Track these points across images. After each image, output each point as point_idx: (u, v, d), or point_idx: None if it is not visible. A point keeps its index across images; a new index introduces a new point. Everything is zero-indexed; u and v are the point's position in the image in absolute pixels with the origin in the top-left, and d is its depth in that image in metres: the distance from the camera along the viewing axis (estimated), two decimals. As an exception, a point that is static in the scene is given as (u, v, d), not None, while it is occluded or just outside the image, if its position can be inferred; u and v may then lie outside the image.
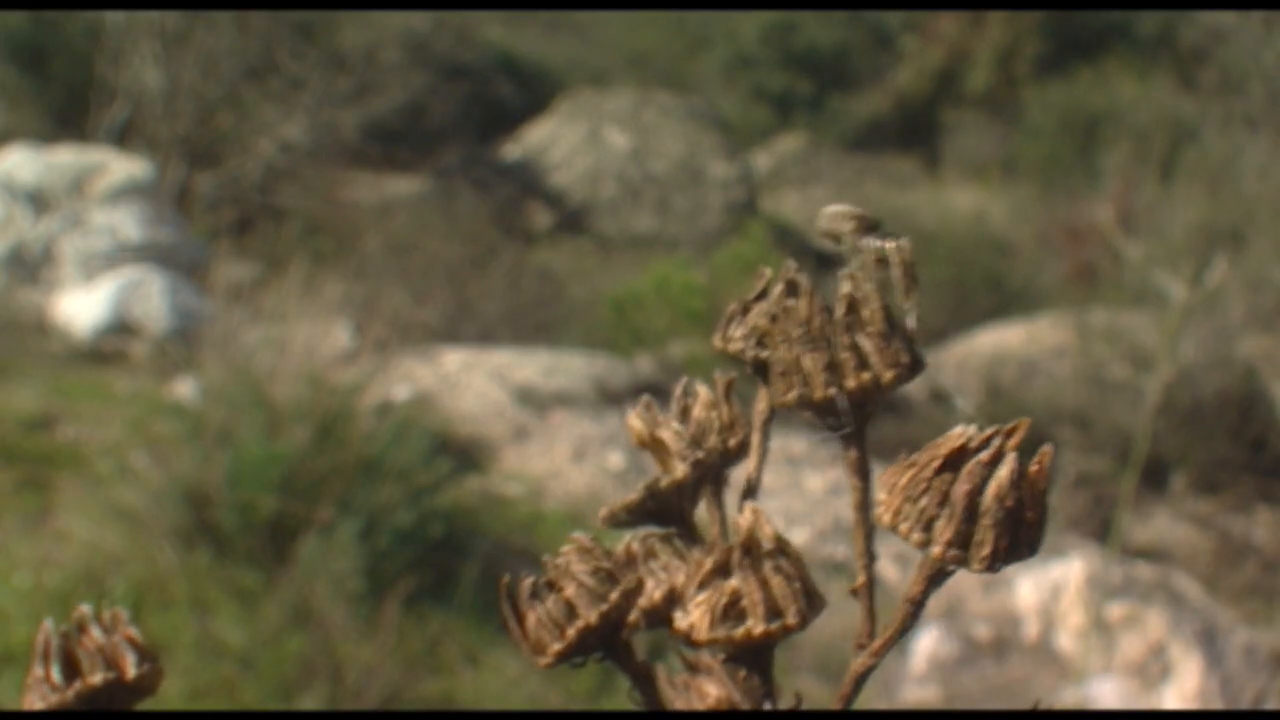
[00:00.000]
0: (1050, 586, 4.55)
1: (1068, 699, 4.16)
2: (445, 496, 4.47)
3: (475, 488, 5.02)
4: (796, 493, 5.25)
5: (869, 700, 4.04)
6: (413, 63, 11.55)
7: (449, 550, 4.25)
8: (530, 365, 6.47)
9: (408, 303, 7.15)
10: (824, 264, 5.61)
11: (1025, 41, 15.10)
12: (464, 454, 5.19)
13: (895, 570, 4.18)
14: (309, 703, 3.51)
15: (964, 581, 4.59)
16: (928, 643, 4.29)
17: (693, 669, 0.63)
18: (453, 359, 6.42)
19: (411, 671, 3.79)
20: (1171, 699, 4.21)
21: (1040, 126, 13.63)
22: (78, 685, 0.50)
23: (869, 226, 0.50)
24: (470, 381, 6.11)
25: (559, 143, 11.96)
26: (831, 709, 0.52)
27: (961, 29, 15.38)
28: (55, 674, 0.50)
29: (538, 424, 5.76)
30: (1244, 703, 4.24)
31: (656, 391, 0.64)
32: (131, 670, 0.51)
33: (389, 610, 3.72)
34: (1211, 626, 4.48)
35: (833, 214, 0.51)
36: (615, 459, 5.44)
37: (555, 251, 10.68)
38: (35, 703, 0.50)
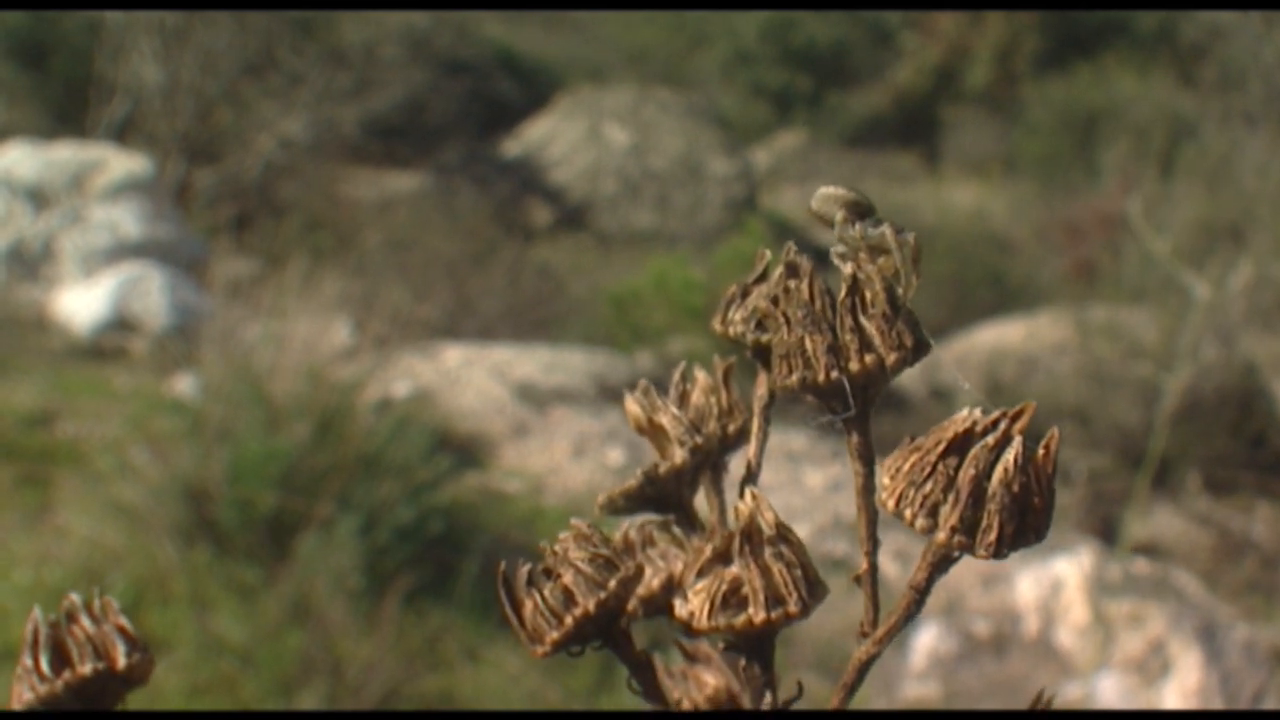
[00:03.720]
0: (1050, 583, 4.54)
1: (1068, 695, 4.15)
2: (445, 493, 4.46)
3: (475, 484, 5.01)
4: (796, 488, 5.23)
5: (868, 697, 4.03)
6: (412, 59, 11.53)
7: (448, 546, 4.24)
8: (530, 362, 6.46)
9: (408, 299, 7.14)
10: (824, 259, 5.59)
11: (1024, 38, 15.09)
12: (464, 450, 5.18)
13: (895, 568, 4.17)
14: (308, 699, 3.50)
15: (964, 578, 4.58)
16: (927, 639, 4.28)
17: (691, 658, 0.62)
18: (452, 355, 6.41)
19: (411, 668, 3.78)
20: (1171, 695, 4.20)
21: (1040, 123, 13.62)
22: (67, 675, 0.49)
23: (861, 213, 0.48)
24: (470, 378, 6.10)
25: (559, 139, 11.95)
26: (835, 699, 0.51)
27: (961, 26, 15.37)
28: (44, 664, 0.50)
29: (537, 420, 5.75)
30: (1244, 699, 4.23)
31: (656, 388, 0.63)
32: (122, 660, 0.50)
33: (388, 606, 3.71)
34: (1211, 623, 4.47)
35: (825, 196, 0.50)
36: (615, 455, 5.43)
37: (555, 248, 10.67)
38: (24, 693, 0.49)
